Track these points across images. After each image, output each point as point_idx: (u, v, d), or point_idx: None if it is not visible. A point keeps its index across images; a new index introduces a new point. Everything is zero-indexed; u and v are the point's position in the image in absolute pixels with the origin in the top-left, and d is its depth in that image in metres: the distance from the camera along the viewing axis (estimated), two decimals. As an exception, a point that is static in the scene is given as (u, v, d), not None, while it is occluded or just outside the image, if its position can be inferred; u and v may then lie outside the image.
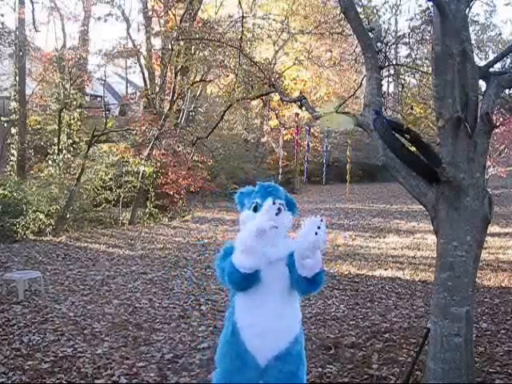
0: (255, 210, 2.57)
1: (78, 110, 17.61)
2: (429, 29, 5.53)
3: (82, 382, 3.96)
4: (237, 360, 2.52)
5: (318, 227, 2.33)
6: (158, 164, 16.07)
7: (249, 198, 2.67)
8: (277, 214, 2.40)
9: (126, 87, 27.49)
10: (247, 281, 2.44)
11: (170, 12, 14.26)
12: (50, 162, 15.14)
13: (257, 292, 2.50)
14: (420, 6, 6.06)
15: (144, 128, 15.82)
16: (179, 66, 14.93)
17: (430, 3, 3.71)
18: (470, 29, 3.81)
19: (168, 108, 15.98)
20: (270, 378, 2.52)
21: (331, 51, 16.11)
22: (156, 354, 4.55)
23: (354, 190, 22.14)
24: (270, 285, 2.51)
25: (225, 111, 9.02)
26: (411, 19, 5.92)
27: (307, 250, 2.37)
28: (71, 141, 17.00)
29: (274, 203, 2.41)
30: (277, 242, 2.51)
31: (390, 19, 7.36)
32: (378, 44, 4.42)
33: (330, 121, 2.42)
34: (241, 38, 8.61)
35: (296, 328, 2.63)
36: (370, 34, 4.19)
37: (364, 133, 4.04)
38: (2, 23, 15.01)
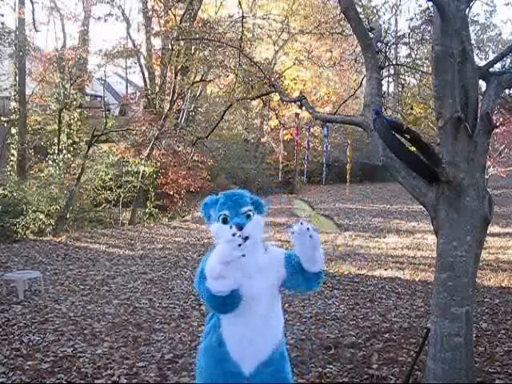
0: (224, 221, 2.44)
1: (78, 110, 17.64)
2: (429, 29, 5.53)
3: (82, 381, 3.96)
4: (219, 369, 2.49)
5: (310, 236, 2.33)
6: (158, 164, 16.09)
7: (214, 208, 2.53)
8: (240, 245, 2.27)
9: (126, 87, 27.44)
10: (227, 304, 2.39)
11: (170, 12, 14.27)
12: (50, 162, 15.16)
13: (242, 304, 2.43)
14: (420, 6, 6.07)
15: (144, 128, 15.85)
16: (179, 66, 14.94)
17: (430, 3, 3.71)
18: (470, 29, 3.81)
19: (168, 108, 15.99)
20: (256, 382, 2.50)
21: (331, 51, 16.08)
22: (156, 354, 4.55)
23: (354, 190, 22.13)
24: (254, 296, 2.45)
25: (225, 111, 9.02)
26: (411, 19, 5.91)
27: (310, 249, 2.38)
28: (71, 141, 17.04)
29: (233, 234, 2.29)
30: (255, 250, 2.44)
31: (390, 19, 7.39)
32: (378, 44, 4.42)
33: (316, 223, 2.42)
34: (241, 38, 8.60)
35: (280, 332, 2.60)
36: (369, 33, 4.19)
37: (364, 133, 4.04)
38: (2, 23, 15.05)
